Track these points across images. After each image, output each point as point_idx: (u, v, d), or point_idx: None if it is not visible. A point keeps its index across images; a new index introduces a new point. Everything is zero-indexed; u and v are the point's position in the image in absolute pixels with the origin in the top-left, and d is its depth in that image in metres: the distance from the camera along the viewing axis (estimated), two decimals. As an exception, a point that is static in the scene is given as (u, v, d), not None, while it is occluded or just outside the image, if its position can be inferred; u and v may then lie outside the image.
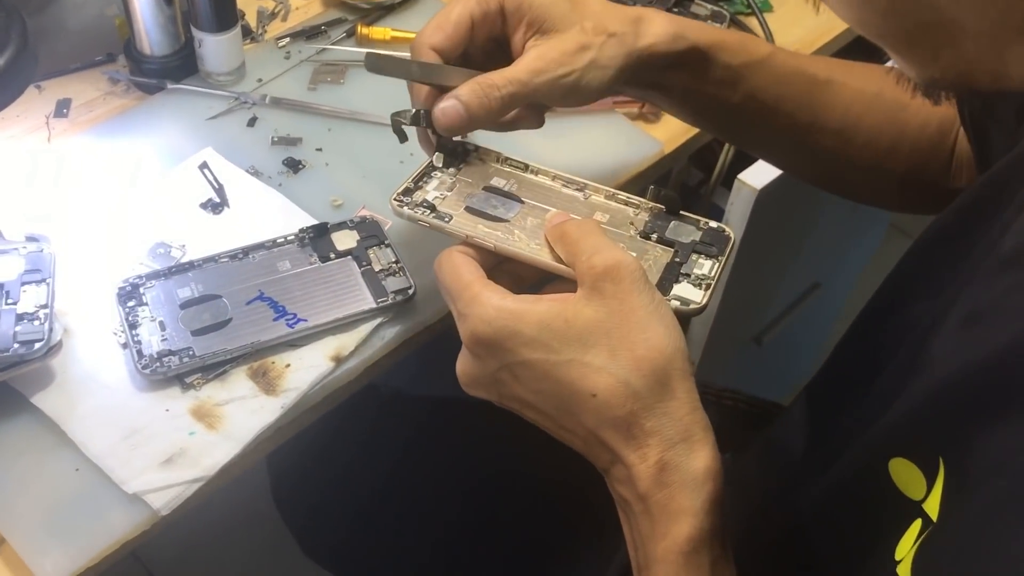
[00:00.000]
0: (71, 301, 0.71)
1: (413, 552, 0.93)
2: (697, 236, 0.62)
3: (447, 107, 0.62)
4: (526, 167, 0.66)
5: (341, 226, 0.76)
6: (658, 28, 0.66)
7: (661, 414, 0.49)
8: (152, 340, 0.68)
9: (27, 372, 0.66)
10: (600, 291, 0.50)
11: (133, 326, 0.69)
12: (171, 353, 0.67)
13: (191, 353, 0.67)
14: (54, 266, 0.69)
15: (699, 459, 0.49)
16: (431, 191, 0.64)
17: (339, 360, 0.70)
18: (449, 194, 0.64)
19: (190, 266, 0.73)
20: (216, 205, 0.79)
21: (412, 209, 0.62)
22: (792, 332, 1.42)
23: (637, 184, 0.88)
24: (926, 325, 0.51)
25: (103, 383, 0.68)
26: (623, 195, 0.64)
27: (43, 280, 0.68)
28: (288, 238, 0.75)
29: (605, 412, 0.49)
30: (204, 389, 0.68)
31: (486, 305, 0.51)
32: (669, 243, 0.61)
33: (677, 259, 0.60)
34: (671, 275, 0.59)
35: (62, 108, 0.87)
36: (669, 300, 0.57)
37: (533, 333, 0.50)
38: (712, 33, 0.69)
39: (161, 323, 0.69)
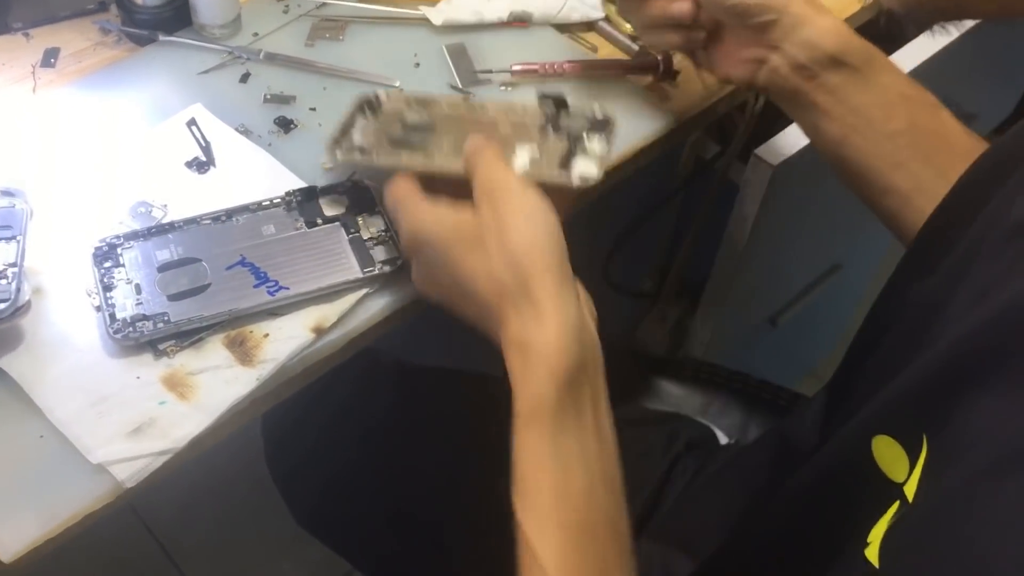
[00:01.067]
0: (45, 259, 0.69)
1: (404, 521, 0.91)
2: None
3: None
4: (432, 101, 0.73)
5: (330, 190, 0.73)
6: (821, 18, 0.65)
7: (521, 299, 0.55)
8: (127, 303, 0.65)
9: (-6, 332, 0.63)
10: (480, 205, 0.59)
11: (108, 288, 0.66)
12: (145, 318, 0.64)
13: (166, 319, 0.64)
14: (26, 223, 0.66)
15: (549, 338, 0.54)
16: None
17: (320, 331, 0.67)
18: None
19: (171, 227, 0.69)
20: (202, 164, 0.76)
21: (346, 153, 0.69)
22: (810, 315, 1.38)
23: (652, 153, 0.84)
24: (933, 303, 0.49)
25: (74, 347, 0.65)
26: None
27: (13, 237, 0.65)
28: (274, 201, 0.71)
29: (483, 296, 0.57)
30: (177, 357, 0.65)
31: (408, 211, 0.62)
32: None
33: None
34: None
35: (50, 58, 0.83)
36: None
37: (430, 236, 0.60)
38: (880, 54, 0.67)
39: (137, 286, 0.66)
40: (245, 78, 0.83)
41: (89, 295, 0.67)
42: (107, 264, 0.67)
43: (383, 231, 0.71)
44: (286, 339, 0.66)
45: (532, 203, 0.57)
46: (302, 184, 0.74)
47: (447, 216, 0.60)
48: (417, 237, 0.61)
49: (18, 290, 0.63)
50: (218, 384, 0.64)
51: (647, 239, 1.16)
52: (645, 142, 0.83)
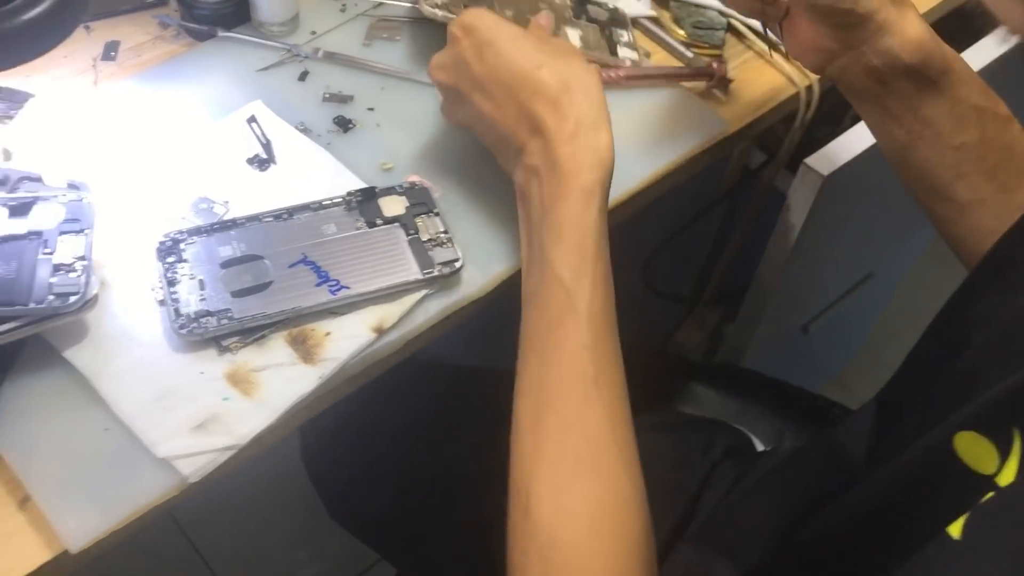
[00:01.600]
0: (109, 253, 0.69)
1: (440, 520, 0.92)
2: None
3: None
4: (234, 223, 0.70)
5: (390, 191, 0.73)
6: (909, 27, 0.64)
7: (583, 101, 0.63)
8: (191, 299, 0.65)
9: (61, 325, 0.64)
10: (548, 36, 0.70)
11: (172, 283, 0.66)
12: (209, 314, 0.65)
13: (229, 315, 0.65)
14: (94, 216, 0.67)
15: (604, 136, 0.63)
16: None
17: (381, 331, 0.67)
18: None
19: (233, 224, 0.70)
20: (263, 161, 0.76)
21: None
22: (837, 322, 1.38)
23: (702, 161, 0.84)
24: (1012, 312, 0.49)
25: (138, 340, 0.66)
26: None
27: (82, 231, 0.66)
28: (335, 200, 0.72)
29: (545, 81, 0.64)
30: (241, 353, 0.65)
31: (474, 9, 0.68)
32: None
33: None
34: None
35: (110, 51, 0.84)
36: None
37: (503, 26, 0.66)
38: (957, 58, 0.66)
39: (201, 282, 0.66)
40: (303, 76, 0.83)
41: (153, 289, 0.68)
42: (170, 259, 0.68)
43: (442, 232, 0.71)
44: (347, 338, 0.67)
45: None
46: (361, 184, 0.75)
47: (505, 21, 0.68)
48: (484, 24, 0.66)
49: (87, 283, 0.63)
50: (281, 381, 0.64)
51: (688, 245, 1.17)
52: (696, 150, 0.84)
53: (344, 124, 0.80)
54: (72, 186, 0.69)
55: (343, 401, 0.71)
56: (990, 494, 0.43)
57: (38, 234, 0.65)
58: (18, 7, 0.58)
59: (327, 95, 0.82)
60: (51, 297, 0.62)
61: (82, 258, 0.64)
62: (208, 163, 0.76)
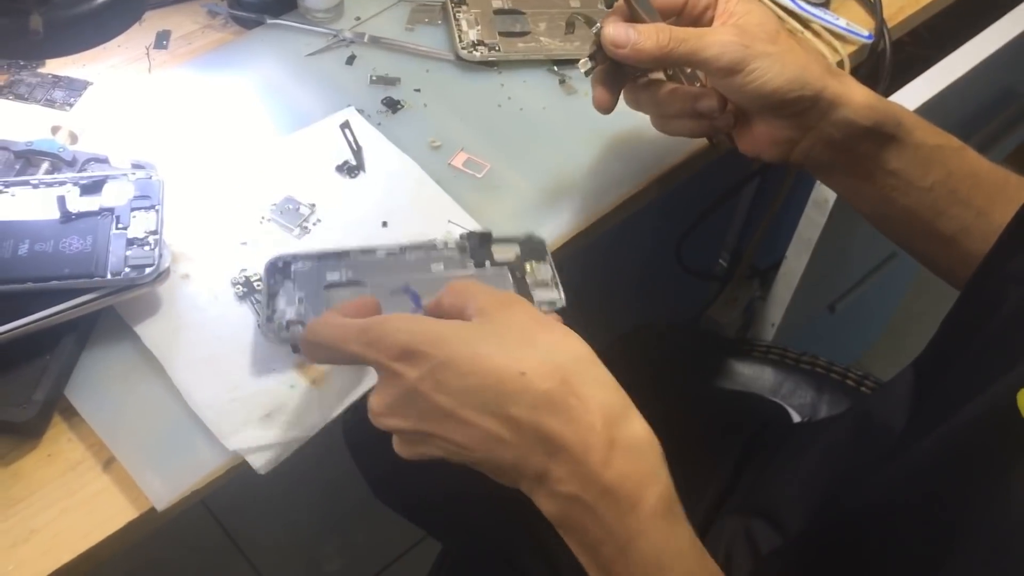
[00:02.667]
0: (190, 245, 0.71)
1: (489, 492, 0.93)
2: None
3: (620, 28, 0.63)
4: (346, 253, 0.69)
5: (505, 240, 0.71)
6: (855, 94, 0.64)
7: (591, 382, 0.49)
8: (287, 310, 0.66)
9: (135, 298, 0.66)
10: (496, 311, 0.52)
11: (272, 295, 0.66)
12: (301, 324, 0.65)
13: None
14: (162, 193, 0.69)
15: (638, 424, 0.49)
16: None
17: None
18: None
19: (346, 255, 0.69)
20: (352, 168, 0.78)
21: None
22: (863, 302, 1.40)
23: (694, 165, 0.86)
24: None
25: (215, 334, 0.67)
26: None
27: (152, 206, 0.68)
28: (449, 246, 0.70)
29: (537, 388, 0.48)
30: None
31: (396, 320, 0.51)
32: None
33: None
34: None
35: (162, 40, 0.87)
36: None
37: (452, 332, 0.50)
38: (902, 108, 0.67)
39: (301, 299, 0.67)
40: (351, 60, 0.86)
41: (234, 285, 0.70)
42: (277, 277, 0.68)
43: (549, 278, 0.69)
44: None
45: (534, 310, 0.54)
46: (450, 200, 0.76)
47: (445, 323, 0.51)
48: (426, 339, 0.50)
49: (160, 256, 0.66)
50: (348, 370, 0.66)
51: (721, 222, 1.19)
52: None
53: (392, 105, 0.82)
54: (137, 166, 0.72)
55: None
56: None
57: (110, 210, 0.67)
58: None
59: (374, 78, 0.84)
60: (127, 269, 0.65)
61: (154, 232, 0.67)
62: (295, 164, 0.78)
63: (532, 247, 0.71)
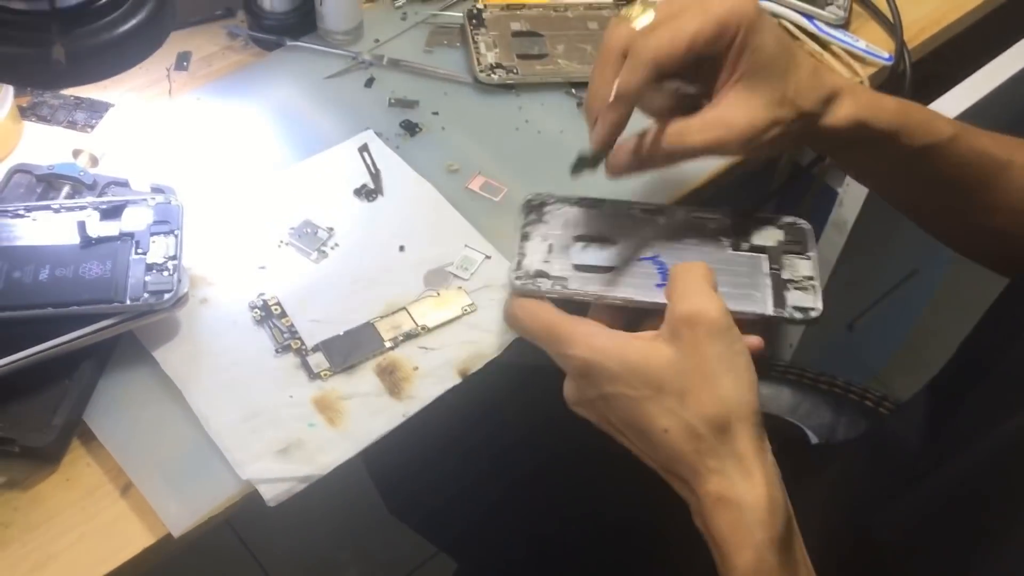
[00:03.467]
0: (209, 269, 0.72)
1: (503, 510, 0.94)
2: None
3: (623, 152, 0.61)
4: (602, 202, 0.67)
5: (770, 220, 0.67)
6: (845, 112, 0.62)
7: (724, 455, 0.52)
8: (535, 258, 0.63)
9: (153, 324, 0.67)
10: (678, 335, 0.54)
11: (524, 237, 0.65)
12: (546, 276, 0.62)
13: (564, 284, 0.62)
14: (182, 217, 0.70)
15: (760, 496, 0.52)
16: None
17: (465, 375, 0.69)
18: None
19: (601, 203, 0.67)
20: (370, 192, 0.78)
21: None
22: (882, 318, 1.39)
23: (753, 161, 0.86)
24: None
25: (233, 359, 0.68)
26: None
27: (171, 231, 0.69)
28: (711, 216, 0.67)
29: (675, 447, 0.53)
30: (330, 380, 0.67)
31: (579, 344, 0.56)
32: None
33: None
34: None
35: (182, 61, 0.87)
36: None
37: (616, 369, 0.54)
38: (897, 114, 0.64)
39: (550, 246, 0.64)
40: (370, 83, 0.86)
41: (252, 309, 0.70)
42: (532, 216, 0.66)
43: (808, 278, 0.63)
44: (434, 378, 0.68)
45: (736, 344, 0.54)
46: (472, 230, 0.76)
47: (633, 348, 0.54)
48: (592, 369, 0.55)
49: (179, 281, 0.66)
50: (366, 413, 0.66)
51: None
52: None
53: (411, 128, 0.83)
54: (157, 190, 0.72)
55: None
56: None
57: (130, 235, 0.68)
58: (116, 19, 0.61)
59: (393, 100, 0.85)
60: (146, 295, 0.65)
61: (173, 257, 0.67)
62: (314, 188, 0.78)
63: (795, 235, 0.65)
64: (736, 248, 0.65)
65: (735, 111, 0.60)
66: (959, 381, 0.68)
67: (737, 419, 0.52)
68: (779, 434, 0.97)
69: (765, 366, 1.06)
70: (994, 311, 0.68)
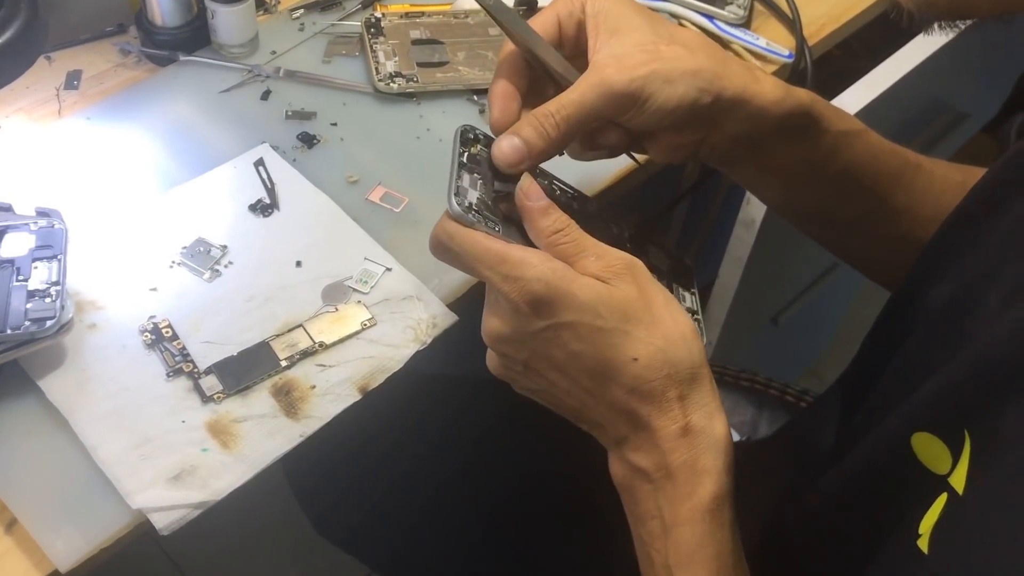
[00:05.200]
0: (97, 293, 0.70)
1: (428, 528, 0.92)
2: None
3: (507, 145, 0.57)
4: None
5: (662, 244, 0.65)
6: (761, 90, 0.60)
7: (689, 381, 0.52)
8: (471, 191, 0.56)
9: (37, 352, 0.64)
10: (624, 280, 0.53)
11: (462, 167, 0.57)
12: (477, 213, 0.54)
13: (497, 230, 0.54)
14: (66, 242, 0.68)
15: (720, 425, 0.53)
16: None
17: (365, 392, 0.68)
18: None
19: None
20: (266, 207, 0.76)
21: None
22: (808, 312, 1.40)
23: (629, 182, 0.86)
24: (960, 306, 0.51)
25: (123, 385, 0.66)
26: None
27: (54, 256, 0.67)
28: (617, 220, 0.64)
29: (643, 376, 0.52)
30: (224, 403, 0.66)
31: (539, 266, 0.52)
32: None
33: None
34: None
35: (72, 80, 0.85)
36: None
37: (585, 297, 0.52)
38: (813, 99, 0.64)
39: (480, 183, 0.57)
40: (266, 95, 0.85)
41: (143, 333, 0.68)
42: (464, 151, 0.58)
43: (692, 312, 0.62)
44: (333, 396, 0.67)
45: (668, 291, 0.55)
46: (364, 233, 0.73)
47: (593, 281, 0.53)
48: (558, 298, 0.52)
49: (61, 307, 0.64)
50: (261, 435, 0.64)
51: (655, 243, 1.18)
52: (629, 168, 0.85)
53: (308, 140, 0.81)
54: (42, 213, 0.70)
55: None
56: (943, 497, 0.45)
57: (10, 262, 0.66)
58: (-21, 40, 0.59)
59: (290, 112, 0.83)
60: (27, 323, 0.63)
61: (56, 283, 0.65)
62: (207, 205, 0.76)
63: (681, 269, 0.65)
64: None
65: (594, 63, 0.58)
66: (862, 377, 0.69)
67: (699, 350, 0.53)
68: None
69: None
70: (886, 311, 0.68)
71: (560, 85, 0.59)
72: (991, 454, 0.42)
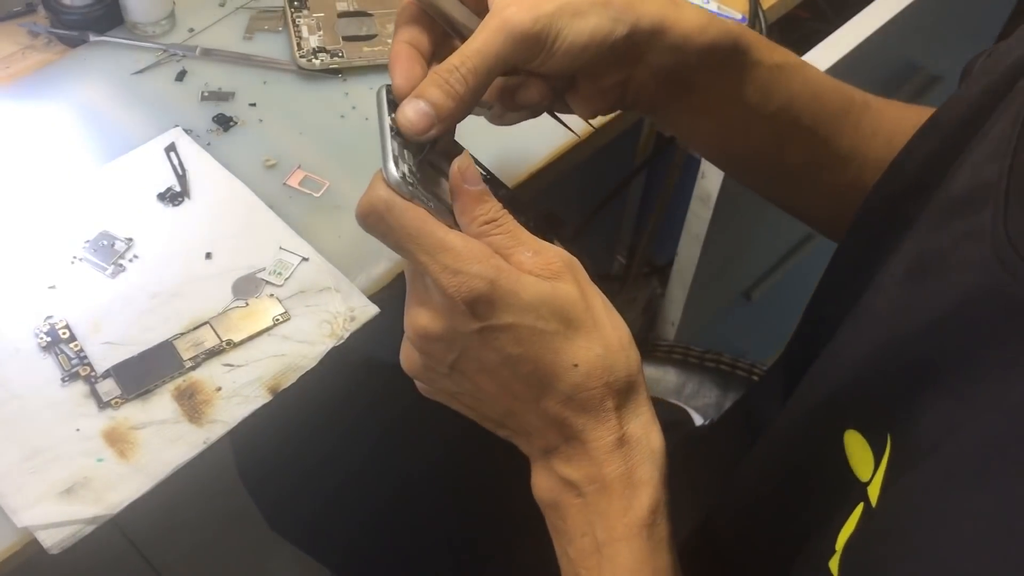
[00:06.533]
0: None
1: (382, 523, 0.89)
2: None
3: (412, 111, 0.51)
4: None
5: (565, 240, 0.56)
6: (682, 16, 0.55)
7: (627, 391, 0.49)
8: (399, 160, 0.49)
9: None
10: (565, 280, 0.48)
11: (393, 132, 0.50)
12: (411, 186, 0.48)
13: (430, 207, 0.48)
14: (-50, 240, 0.63)
15: (655, 435, 0.50)
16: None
17: (275, 392, 0.63)
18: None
19: (453, 144, 0.54)
20: (176, 195, 0.72)
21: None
22: (786, 286, 1.36)
23: (609, 133, 0.81)
24: (878, 280, 0.46)
25: (13, 392, 0.61)
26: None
27: (-64, 256, 0.62)
28: (525, 211, 0.55)
29: (582, 384, 0.48)
30: (122, 409, 0.61)
31: (484, 261, 0.46)
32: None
33: None
34: None
35: (-24, 64, 0.80)
36: None
37: (528, 297, 0.47)
38: (739, 25, 0.58)
39: (407, 154, 0.49)
40: (181, 76, 0.80)
41: (37, 336, 0.64)
42: (390, 114, 0.51)
43: None
44: (240, 399, 0.62)
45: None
46: (280, 222, 0.69)
47: (537, 280, 0.48)
48: (500, 298, 0.47)
49: (-57, 312, 0.60)
50: (161, 442, 0.60)
51: (612, 220, 1.14)
52: (599, 122, 0.81)
53: (224, 122, 0.76)
54: (-70, 210, 0.65)
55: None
56: (860, 507, 0.41)
57: None
58: None
59: (206, 93, 0.78)
60: (-97, 329, 0.58)
61: (-63, 285, 0.61)
62: (113, 195, 0.71)
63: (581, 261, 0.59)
64: None
65: (494, 6, 0.52)
66: (804, 358, 0.65)
67: (634, 350, 0.50)
68: (661, 417, 0.93)
69: (649, 347, 1.03)
70: (818, 291, 0.63)
71: (465, 39, 0.54)
72: (904, 465, 0.38)
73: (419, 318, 0.49)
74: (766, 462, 0.53)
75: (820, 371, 0.52)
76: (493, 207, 0.49)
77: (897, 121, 0.63)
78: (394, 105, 0.51)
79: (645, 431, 0.49)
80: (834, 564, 0.39)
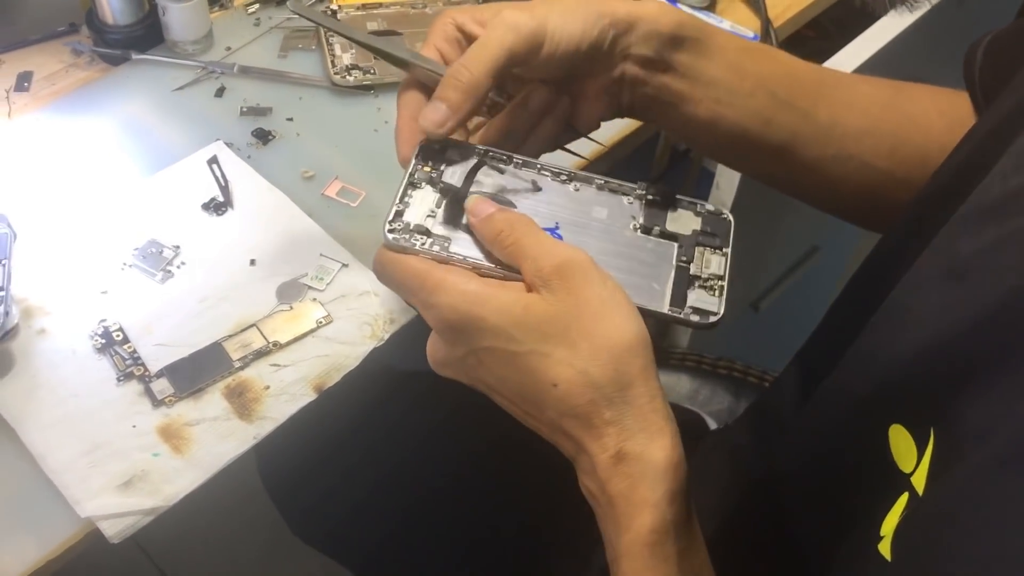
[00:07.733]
0: (47, 297, 0.68)
1: (409, 527, 0.91)
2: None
3: (429, 110, 0.55)
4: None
5: (690, 205, 0.58)
6: (645, 5, 0.59)
7: (620, 403, 0.48)
8: (419, 211, 0.54)
9: (-16, 358, 0.63)
10: (551, 287, 0.49)
11: (413, 185, 0.55)
12: (427, 233, 0.53)
13: (446, 245, 0.53)
14: (10, 246, 0.66)
15: (658, 449, 0.48)
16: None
17: (320, 390, 0.66)
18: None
19: (508, 159, 0.58)
20: (219, 205, 0.75)
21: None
22: (791, 298, 1.39)
23: (627, 146, 0.85)
24: (913, 281, 0.49)
25: (72, 391, 0.64)
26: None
27: (-1, 261, 0.65)
28: (627, 186, 0.58)
29: (566, 401, 0.48)
30: (176, 406, 0.64)
31: (451, 291, 0.49)
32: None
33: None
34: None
35: (23, 82, 0.83)
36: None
37: (495, 320, 0.48)
38: (698, 18, 0.62)
39: (439, 200, 0.55)
40: (220, 92, 0.83)
41: (92, 338, 0.67)
42: (427, 162, 0.56)
43: (717, 277, 0.55)
44: (287, 396, 0.65)
45: (608, 281, 0.49)
46: (319, 229, 0.72)
47: (512, 299, 0.49)
48: (469, 324, 0.49)
49: (6, 314, 0.63)
50: (214, 438, 0.63)
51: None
52: (620, 135, 0.84)
53: (263, 136, 0.80)
54: (-11, 218, 0.69)
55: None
56: (905, 496, 0.43)
57: (-46, 269, 0.64)
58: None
59: (244, 108, 0.82)
60: (-31, 330, 0.62)
61: (0, 288, 0.64)
62: (160, 205, 0.75)
63: (714, 226, 0.57)
64: (646, 231, 0.57)
65: (499, 9, 0.56)
66: (824, 350, 0.67)
67: (634, 360, 0.48)
68: (678, 421, 0.96)
69: (663, 355, 1.05)
70: (845, 292, 0.66)
71: None
72: (950, 456, 0.40)
73: (429, 346, 0.53)
74: (801, 457, 0.55)
75: (856, 368, 0.53)
76: (500, 219, 0.52)
77: (870, 97, 0.65)
78: (428, 158, 0.56)
79: (645, 446, 0.47)
80: (884, 548, 0.42)
